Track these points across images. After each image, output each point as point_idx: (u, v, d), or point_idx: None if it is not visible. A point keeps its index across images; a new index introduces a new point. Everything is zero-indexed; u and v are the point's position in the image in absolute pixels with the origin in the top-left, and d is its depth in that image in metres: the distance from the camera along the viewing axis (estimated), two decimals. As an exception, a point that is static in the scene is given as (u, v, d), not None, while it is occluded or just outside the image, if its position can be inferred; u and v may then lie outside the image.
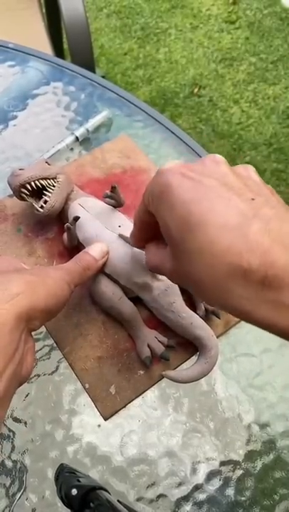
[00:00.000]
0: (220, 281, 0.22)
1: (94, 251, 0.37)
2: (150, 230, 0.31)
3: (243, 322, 0.42)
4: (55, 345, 0.41)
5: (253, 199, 0.23)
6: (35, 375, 0.40)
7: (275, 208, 0.23)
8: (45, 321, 0.29)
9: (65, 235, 0.42)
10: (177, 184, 0.24)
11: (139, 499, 0.36)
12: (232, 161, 1.48)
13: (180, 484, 0.37)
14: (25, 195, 0.42)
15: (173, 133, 0.56)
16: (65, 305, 0.31)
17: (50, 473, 0.37)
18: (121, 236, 0.39)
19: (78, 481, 0.32)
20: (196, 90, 1.63)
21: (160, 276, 0.40)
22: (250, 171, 0.27)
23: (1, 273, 0.28)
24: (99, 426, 0.39)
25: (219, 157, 0.27)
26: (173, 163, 0.26)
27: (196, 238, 0.23)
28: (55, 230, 0.46)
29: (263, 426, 0.40)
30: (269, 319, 0.21)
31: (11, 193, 0.44)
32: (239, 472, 0.38)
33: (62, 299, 0.30)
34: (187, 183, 0.24)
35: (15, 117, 0.57)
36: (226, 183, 0.24)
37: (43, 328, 0.41)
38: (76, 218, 0.39)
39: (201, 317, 0.39)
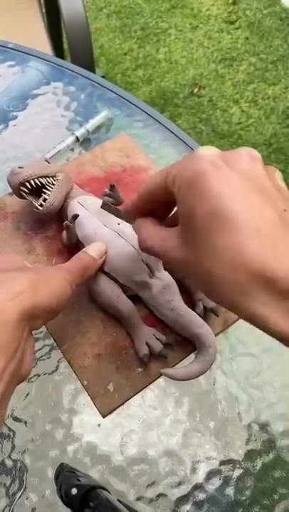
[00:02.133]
0: (241, 283, 0.22)
1: (92, 250, 0.37)
2: (152, 205, 0.31)
3: (242, 321, 0.42)
4: (55, 344, 0.41)
5: (285, 210, 0.23)
6: (35, 375, 0.40)
7: None
8: (47, 321, 0.29)
9: (64, 233, 0.42)
10: (213, 174, 0.24)
11: (139, 498, 0.36)
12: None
13: (180, 483, 0.37)
14: (24, 193, 0.42)
15: (173, 133, 0.56)
16: (66, 305, 0.31)
17: (50, 473, 0.37)
18: (104, 207, 0.38)
19: (78, 480, 0.32)
20: (196, 90, 1.63)
21: (159, 275, 0.40)
22: (278, 175, 0.26)
23: (4, 271, 0.28)
24: (99, 425, 0.39)
25: (256, 154, 0.26)
26: (209, 149, 0.25)
27: (223, 236, 0.22)
28: (54, 228, 0.46)
29: (263, 425, 0.40)
30: (281, 327, 0.22)
31: (11, 191, 0.44)
32: (239, 471, 0.38)
33: (64, 298, 0.30)
34: (223, 176, 0.24)
35: (15, 117, 0.57)
36: (261, 187, 0.24)
37: (43, 328, 0.41)
38: (75, 216, 0.39)
39: (199, 315, 0.39)
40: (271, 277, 0.21)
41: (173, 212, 0.32)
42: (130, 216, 0.33)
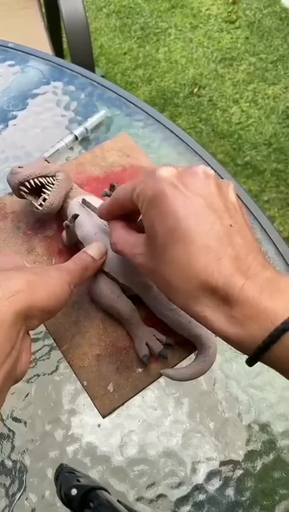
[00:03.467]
0: (191, 291, 0.27)
1: (92, 251, 0.37)
2: (122, 211, 0.34)
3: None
4: (54, 344, 0.41)
5: (231, 225, 0.27)
6: (34, 375, 0.40)
7: (246, 239, 0.27)
8: (44, 321, 0.29)
9: (64, 233, 0.42)
10: (171, 195, 0.27)
11: (139, 499, 0.36)
12: (232, 161, 1.48)
13: (180, 484, 0.37)
14: (24, 193, 0.42)
15: (173, 133, 0.56)
16: (65, 305, 0.31)
17: (50, 473, 0.37)
18: (84, 202, 0.40)
19: (78, 481, 0.32)
20: (195, 90, 1.63)
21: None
22: (230, 189, 0.30)
23: (1, 270, 0.28)
24: (99, 426, 0.38)
25: (210, 172, 0.30)
26: (167, 170, 0.29)
27: (177, 251, 0.27)
28: (54, 228, 0.46)
29: (263, 426, 0.39)
30: (221, 326, 0.26)
31: (11, 191, 0.44)
32: (239, 472, 0.38)
33: (62, 299, 0.30)
34: (179, 197, 0.27)
35: (15, 117, 0.57)
36: (211, 204, 0.28)
37: (42, 328, 0.41)
38: (75, 216, 0.39)
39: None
40: (214, 286, 0.26)
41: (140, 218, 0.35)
42: (104, 217, 0.37)
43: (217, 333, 0.27)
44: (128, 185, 0.32)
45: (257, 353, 0.25)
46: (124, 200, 0.32)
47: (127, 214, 0.35)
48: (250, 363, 0.26)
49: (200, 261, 0.26)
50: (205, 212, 0.27)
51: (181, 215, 0.27)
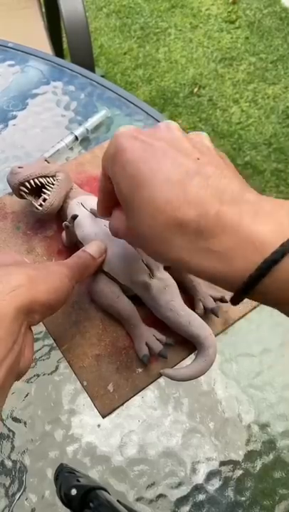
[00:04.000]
0: (160, 233, 0.24)
1: (91, 249, 0.37)
2: (113, 197, 0.32)
3: (242, 321, 0.42)
4: (54, 344, 0.41)
5: (198, 158, 0.24)
6: (34, 375, 0.40)
7: (218, 168, 0.24)
8: (46, 316, 0.29)
9: (63, 234, 0.42)
10: (129, 145, 0.26)
11: (138, 499, 0.36)
12: (232, 161, 1.48)
13: (180, 484, 0.37)
14: (24, 193, 0.42)
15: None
16: (66, 300, 0.31)
17: (50, 473, 0.37)
18: (92, 211, 0.40)
19: (78, 481, 0.32)
20: (195, 90, 1.63)
21: (159, 275, 0.39)
22: (202, 137, 0.28)
23: (2, 266, 0.28)
24: (99, 426, 0.38)
25: (173, 123, 0.28)
26: (126, 127, 0.27)
27: (141, 194, 0.24)
28: (54, 228, 0.46)
29: (263, 426, 0.39)
30: (201, 266, 0.23)
31: (11, 191, 0.44)
32: (239, 472, 0.38)
33: (64, 294, 0.30)
34: (138, 145, 0.26)
35: (15, 117, 0.57)
36: (175, 146, 0.25)
37: (42, 328, 0.41)
38: (74, 217, 0.39)
39: (199, 315, 0.39)
40: (182, 220, 0.23)
41: None
42: (101, 213, 0.35)
43: (199, 274, 0.24)
44: (101, 171, 0.30)
45: (243, 289, 0.21)
46: (104, 182, 0.30)
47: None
48: (235, 300, 0.23)
49: (163, 197, 0.23)
50: (166, 152, 0.25)
51: (140, 160, 0.25)
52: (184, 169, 0.24)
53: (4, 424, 0.38)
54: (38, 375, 0.40)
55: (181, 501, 0.36)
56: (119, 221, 0.30)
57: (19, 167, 0.42)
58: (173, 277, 0.41)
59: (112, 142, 0.27)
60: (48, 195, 0.42)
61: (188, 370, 0.37)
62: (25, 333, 0.27)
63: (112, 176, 0.27)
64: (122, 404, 0.39)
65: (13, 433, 0.38)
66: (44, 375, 0.40)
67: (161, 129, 0.27)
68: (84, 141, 0.55)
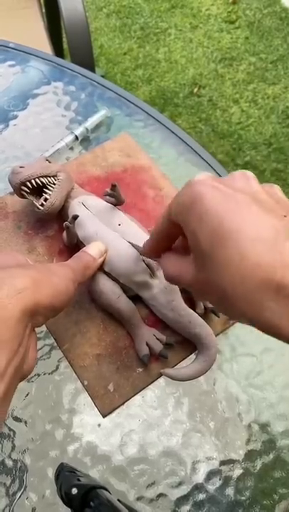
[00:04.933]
0: (250, 294, 0.22)
1: (92, 250, 0.37)
2: (168, 242, 0.31)
3: (243, 321, 0.42)
4: (55, 344, 0.41)
5: (285, 216, 0.23)
6: (35, 375, 0.40)
7: None
8: (49, 318, 0.29)
9: (64, 234, 0.42)
10: (209, 195, 0.24)
11: (139, 498, 0.36)
12: (232, 161, 1.48)
13: (180, 484, 0.37)
14: (25, 193, 0.42)
15: (173, 133, 0.56)
16: (69, 303, 0.31)
17: (51, 473, 0.37)
18: (132, 245, 0.39)
19: (78, 480, 0.32)
20: (195, 90, 1.63)
21: (159, 275, 0.40)
22: (276, 189, 0.27)
23: (6, 268, 0.28)
24: (99, 425, 0.39)
25: (249, 173, 0.27)
26: (204, 175, 0.26)
27: (226, 250, 0.23)
28: (55, 228, 0.46)
29: (263, 426, 0.40)
30: None
31: (12, 190, 0.44)
32: (239, 472, 0.38)
33: (67, 296, 0.30)
34: (219, 195, 0.24)
35: (15, 117, 0.57)
36: (256, 199, 0.24)
37: (43, 328, 0.41)
38: (75, 217, 0.39)
39: (200, 315, 0.39)
40: (280, 283, 0.21)
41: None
42: (149, 255, 0.34)
43: None
44: (164, 211, 0.29)
45: None
46: (163, 228, 0.30)
47: (176, 244, 0.32)
48: None
49: (254, 257, 0.22)
50: (251, 205, 0.23)
51: (223, 211, 0.23)
52: (273, 227, 0.22)
53: (5, 424, 0.38)
54: (38, 375, 0.40)
55: (182, 501, 0.36)
56: (182, 269, 0.28)
57: (20, 167, 0.42)
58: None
59: (187, 190, 0.26)
60: (49, 195, 0.42)
61: (189, 369, 0.37)
62: (29, 335, 0.27)
63: (186, 224, 0.26)
64: (123, 403, 0.39)
65: (14, 432, 0.38)
66: (45, 374, 0.40)
67: (238, 179, 0.26)
68: (84, 140, 0.55)
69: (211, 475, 0.38)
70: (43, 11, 1.14)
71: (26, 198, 0.43)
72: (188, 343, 0.40)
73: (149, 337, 0.39)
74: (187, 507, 0.36)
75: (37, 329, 0.30)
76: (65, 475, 0.33)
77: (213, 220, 0.23)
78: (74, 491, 0.31)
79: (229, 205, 0.23)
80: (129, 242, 0.39)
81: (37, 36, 1.08)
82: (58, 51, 1.17)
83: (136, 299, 0.40)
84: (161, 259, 0.32)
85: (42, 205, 0.42)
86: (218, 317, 0.41)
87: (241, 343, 0.42)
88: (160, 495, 0.37)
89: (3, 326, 0.24)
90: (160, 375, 0.39)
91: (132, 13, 1.85)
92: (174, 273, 0.29)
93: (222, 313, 0.26)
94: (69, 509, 0.31)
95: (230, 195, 0.24)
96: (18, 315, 0.25)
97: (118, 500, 0.32)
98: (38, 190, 0.42)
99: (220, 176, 0.53)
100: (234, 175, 0.27)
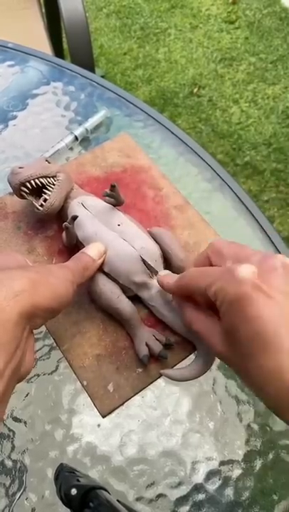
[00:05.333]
0: (282, 401, 0.25)
1: (91, 251, 0.37)
2: (189, 295, 0.34)
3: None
4: (54, 344, 0.41)
5: None
6: (34, 375, 0.40)
7: None
8: (47, 320, 0.29)
9: (64, 234, 0.42)
10: (255, 299, 0.26)
11: (138, 499, 0.36)
12: (232, 161, 1.48)
13: (179, 484, 0.37)
14: (25, 194, 0.42)
15: (173, 133, 0.56)
16: (69, 304, 0.31)
17: (50, 473, 0.37)
18: (145, 264, 0.39)
19: (78, 480, 0.32)
20: (195, 90, 1.63)
21: (158, 275, 0.40)
22: None
23: (4, 270, 0.28)
24: (98, 426, 0.39)
25: (288, 261, 0.29)
26: (247, 271, 0.27)
27: (267, 359, 0.25)
28: (55, 228, 0.46)
29: (263, 426, 0.40)
30: None
31: (12, 190, 0.44)
32: (238, 472, 0.38)
33: (66, 297, 0.30)
34: (264, 300, 0.26)
35: (15, 117, 0.57)
36: None
37: (42, 328, 0.41)
38: (74, 217, 0.39)
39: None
40: None
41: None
42: (170, 291, 0.36)
43: None
44: (201, 277, 0.31)
45: None
46: (194, 288, 0.32)
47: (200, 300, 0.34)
48: None
49: None
50: None
51: (266, 319, 0.25)
52: None
53: (4, 424, 0.38)
54: (38, 375, 0.40)
55: (181, 501, 0.36)
56: (206, 329, 0.31)
57: (20, 167, 0.42)
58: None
59: (232, 284, 0.27)
60: (49, 195, 0.42)
61: (188, 370, 0.37)
62: (27, 337, 0.27)
63: (226, 315, 0.28)
64: (122, 404, 0.39)
65: (14, 433, 0.38)
66: (44, 374, 0.40)
67: (278, 272, 0.28)
68: (84, 141, 0.55)
69: (210, 475, 0.38)
70: (43, 11, 1.14)
71: (26, 198, 0.43)
72: (187, 344, 0.40)
73: (149, 337, 0.39)
74: (187, 507, 0.36)
75: (36, 329, 0.30)
76: (64, 475, 0.33)
77: (256, 327, 0.25)
78: (73, 491, 0.31)
79: (273, 313, 0.25)
80: (143, 261, 0.39)
81: (37, 36, 1.08)
82: (58, 51, 1.17)
83: (135, 299, 0.40)
84: (186, 309, 0.34)
85: (41, 205, 0.42)
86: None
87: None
88: (160, 495, 0.37)
89: (1, 329, 0.24)
90: (160, 375, 0.39)
91: (132, 13, 1.85)
92: (199, 329, 0.32)
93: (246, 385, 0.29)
94: (68, 509, 0.31)
95: (274, 299, 0.26)
96: (15, 318, 0.25)
97: (118, 500, 0.32)
98: (38, 191, 0.42)
99: (219, 176, 0.53)
100: (274, 265, 0.28)
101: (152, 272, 0.39)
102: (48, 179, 0.42)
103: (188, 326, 0.33)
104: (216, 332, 0.30)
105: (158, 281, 0.38)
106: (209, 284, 0.29)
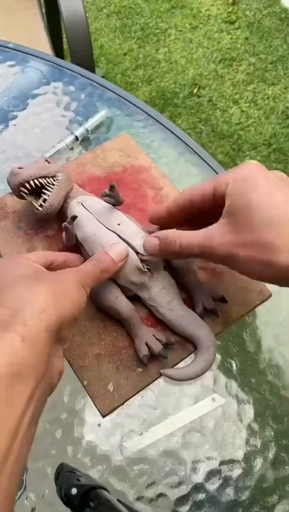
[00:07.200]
0: None
1: (114, 252, 0.36)
2: (186, 215, 0.36)
3: (242, 321, 0.42)
4: (54, 344, 0.41)
5: None
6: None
7: None
8: (72, 328, 0.29)
9: (63, 234, 0.42)
10: (262, 174, 0.31)
11: (138, 498, 0.36)
12: (232, 161, 1.48)
13: (180, 483, 0.37)
14: (24, 194, 0.42)
15: (173, 133, 0.56)
16: (84, 308, 0.30)
17: (50, 473, 0.37)
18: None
19: (78, 480, 0.32)
20: (195, 90, 1.63)
21: (158, 275, 0.40)
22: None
23: (21, 280, 0.27)
24: (99, 425, 0.39)
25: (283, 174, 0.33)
26: (253, 162, 0.33)
27: (280, 212, 0.29)
28: (55, 228, 0.46)
29: (263, 425, 0.40)
30: None
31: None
32: (239, 471, 0.38)
33: (83, 304, 0.30)
34: (268, 175, 0.32)
35: (15, 117, 0.57)
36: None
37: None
38: (74, 217, 0.39)
39: (199, 315, 0.40)
40: None
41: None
42: (158, 221, 0.38)
43: None
44: (207, 183, 0.34)
45: None
46: (200, 196, 0.34)
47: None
48: None
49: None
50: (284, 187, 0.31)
51: (276, 186, 0.30)
52: None
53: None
54: (38, 375, 0.40)
55: (181, 500, 0.37)
56: (205, 236, 0.33)
57: (19, 168, 0.42)
58: (172, 277, 0.41)
59: (243, 166, 0.32)
60: (48, 195, 0.42)
61: (188, 369, 0.37)
62: (56, 349, 0.27)
63: (238, 190, 0.31)
64: (122, 403, 0.39)
65: (14, 432, 0.38)
66: (44, 374, 0.40)
67: (276, 172, 0.33)
68: (84, 141, 0.55)
69: (210, 475, 0.38)
70: (43, 11, 1.14)
71: (25, 198, 0.43)
72: (187, 343, 0.40)
73: (149, 337, 0.39)
74: (187, 507, 0.36)
75: (64, 339, 0.29)
76: (64, 475, 0.33)
77: (268, 189, 0.30)
78: (74, 490, 0.31)
79: (280, 183, 0.31)
80: (142, 261, 0.39)
81: (37, 36, 1.08)
82: (58, 51, 1.17)
83: (135, 299, 0.40)
84: (179, 234, 0.35)
85: (41, 205, 0.42)
86: (218, 317, 0.41)
87: (241, 343, 0.42)
88: (160, 495, 0.37)
89: (31, 351, 0.23)
90: (160, 375, 0.39)
91: (132, 14, 1.85)
92: (200, 240, 0.33)
93: (254, 273, 0.31)
94: (69, 509, 0.31)
95: (272, 178, 0.32)
96: (44, 336, 0.24)
97: (118, 500, 0.32)
98: (37, 191, 0.42)
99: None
100: (274, 171, 0.33)
101: (151, 271, 0.39)
102: (47, 179, 0.42)
103: (194, 244, 0.33)
104: (215, 229, 0.32)
105: (146, 240, 0.38)
106: (220, 178, 0.33)
